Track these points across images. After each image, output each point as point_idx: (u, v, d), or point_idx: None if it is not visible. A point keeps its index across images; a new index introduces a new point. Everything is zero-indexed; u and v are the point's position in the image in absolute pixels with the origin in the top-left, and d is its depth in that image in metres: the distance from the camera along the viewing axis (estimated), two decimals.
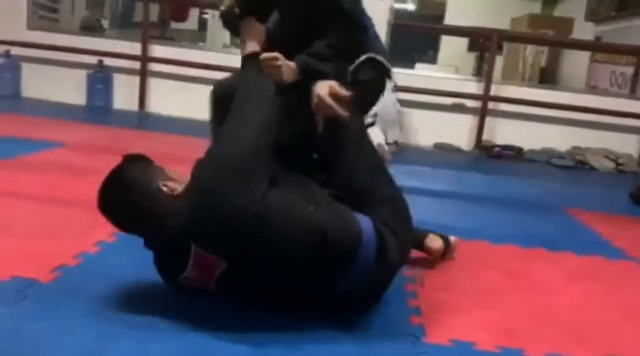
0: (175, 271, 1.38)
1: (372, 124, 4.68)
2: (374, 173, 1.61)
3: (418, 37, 8.93)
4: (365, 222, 1.42)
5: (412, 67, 6.37)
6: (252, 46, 1.63)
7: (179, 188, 1.38)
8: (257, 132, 1.39)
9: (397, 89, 4.75)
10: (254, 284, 1.39)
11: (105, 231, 1.88)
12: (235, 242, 1.30)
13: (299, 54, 1.67)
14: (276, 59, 1.59)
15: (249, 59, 1.64)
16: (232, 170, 1.31)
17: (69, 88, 5.29)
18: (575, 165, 4.82)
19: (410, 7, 9.62)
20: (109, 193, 1.40)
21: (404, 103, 4.86)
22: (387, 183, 1.61)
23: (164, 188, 1.37)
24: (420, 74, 5.53)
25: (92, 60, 5.18)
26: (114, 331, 1.28)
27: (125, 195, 1.38)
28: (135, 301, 1.45)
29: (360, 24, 1.82)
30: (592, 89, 6.17)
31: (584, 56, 6.61)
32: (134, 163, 1.44)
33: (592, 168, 4.80)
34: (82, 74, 5.24)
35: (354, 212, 1.44)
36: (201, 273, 1.35)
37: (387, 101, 4.65)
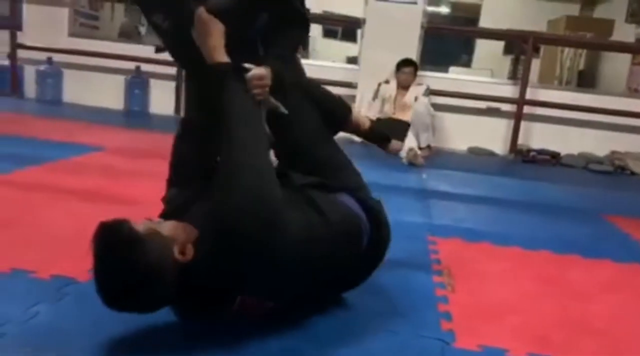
0: (213, 315, 1.35)
1: None
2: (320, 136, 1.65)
3: (452, 41, 8.84)
4: (352, 204, 1.49)
5: (446, 70, 6.32)
6: (221, 53, 1.44)
7: (189, 248, 1.18)
8: (267, 159, 1.31)
9: (431, 92, 4.74)
10: (300, 301, 1.43)
11: None
12: (285, 280, 1.28)
13: (267, 58, 1.57)
14: (264, 77, 1.48)
15: (226, 72, 1.41)
16: (266, 210, 1.19)
17: (108, 93, 5.44)
18: (614, 170, 4.70)
19: (444, 10, 9.54)
20: (122, 289, 1.14)
21: (438, 107, 4.84)
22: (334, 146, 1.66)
23: (180, 257, 1.17)
24: (454, 78, 5.49)
25: (130, 66, 5.32)
26: (148, 328, 1.31)
27: (144, 285, 1.14)
28: None
29: (306, 15, 1.74)
30: (632, 93, 6.00)
31: (624, 59, 6.43)
32: (126, 240, 1.15)
33: (632, 173, 4.67)
34: (121, 79, 5.39)
35: (337, 195, 1.49)
36: (246, 308, 1.36)
37: (420, 105, 4.66)
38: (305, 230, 1.27)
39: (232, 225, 1.15)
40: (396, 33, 4.84)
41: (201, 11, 1.47)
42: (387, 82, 4.69)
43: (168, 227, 1.22)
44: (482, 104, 5.08)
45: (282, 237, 1.20)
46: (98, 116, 4.87)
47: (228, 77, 1.40)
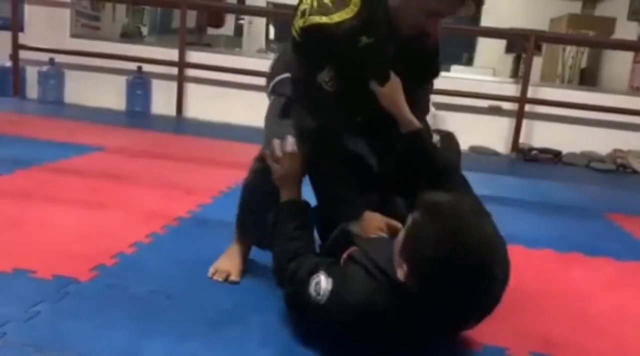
0: None
1: None
2: None
3: (454, 39, 8.81)
4: None
5: (447, 69, 6.30)
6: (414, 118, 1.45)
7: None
8: None
9: (432, 91, 4.72)
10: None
11: (141, 232, 1.95)
12: None
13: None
14: None
15: (426, 137, 1.48)
16: None
17: (109, 94, 5.45)
18: (616, 168, 4.69)
19: None
20: None
21: (439, 106, 4.82)
22: None
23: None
24: (456, 77, 5.48)
25: (132, 66, 5.33)
26: (149, 329, 1.32)
27: None
28: (170, 300, 1.49)
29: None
30: (634, 91, 5.99)
31: (626, 57, 6.41)
32: None
33: (634, 171, 4.66)
34: (122, 80, 5.39)
35: None
36: None
37: None
38: None
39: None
40: None
41: (394, 77, 1.44)
42: None
43: None
44: (483, 103, 5.08)
45: None
46: (100, 116, 4.88)
47: (431, 144, 1.47)
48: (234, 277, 1.64)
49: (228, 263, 1.67)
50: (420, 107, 1.54)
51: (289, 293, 1.35)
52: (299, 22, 1.32)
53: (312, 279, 1.27)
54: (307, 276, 1.28)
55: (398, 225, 1.36)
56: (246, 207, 1.68)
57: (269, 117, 1.60)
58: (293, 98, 1.46)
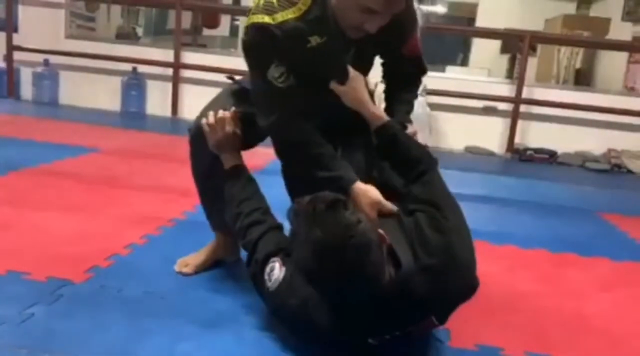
0: (372, 334, 1.23)
1: None
2: None
3: (449, 40, 8.83)
4: None
5: (442, 70, 6.31)
6: (382, 111, 1.45)
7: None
8: None
9: (428, 92, 4.73)
10: None
11: (135, 234, 1.95)
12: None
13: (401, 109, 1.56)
14: (417, 133, 1.55)
15: (397, 129, 1.43)
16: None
17: (104, 94, 5.44)
18: (611, 168, 4.71)
19: (441, 9, 9.54)
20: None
21: (435, 106, 4.83)
22: None
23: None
24: (451, 77, 5.49)
25: (127, 67, 5.32)
26: (143, 330, 1.32)
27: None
28: (164, 301, 1.49)
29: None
30: (629, 91, 6.01)
31: (621, 57, 6.44)
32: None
33: (628, 171, 4.68)
34: (117, 80, 5.38)
35: None
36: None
37: (416, 104, 4.61)
38: None
39: (470, 273, 1.26)
40: None
41: (355, 74, 1.41)
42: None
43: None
44: (479, 103, 5.09)
45: None
46: (94, 117, 4.87)
47: (402, 134, 1.42)
48: (185, 269, 1.66)
49: (193, 256, 1.71)
50: (403, 104, 1.58)
51: (251, 274, 1.36)
52: (246, 21, 1.34)
53: (268, 262, 1.29)
54: (263, 259, 1.31)
55: (393, 207, 1.33)
56: (199, 189, 1.69)
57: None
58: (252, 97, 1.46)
